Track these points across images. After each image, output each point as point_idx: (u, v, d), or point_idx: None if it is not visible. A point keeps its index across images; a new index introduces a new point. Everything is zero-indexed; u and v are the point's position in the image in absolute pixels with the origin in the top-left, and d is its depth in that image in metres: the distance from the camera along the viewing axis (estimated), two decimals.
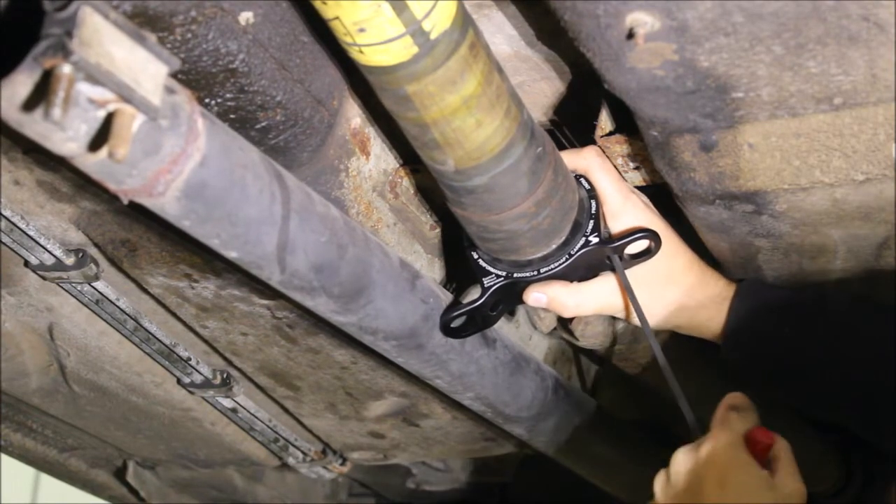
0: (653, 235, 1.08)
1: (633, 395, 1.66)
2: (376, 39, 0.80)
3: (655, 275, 1.14)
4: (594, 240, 1.06)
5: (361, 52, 0.82)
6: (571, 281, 1.11)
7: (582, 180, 1.09)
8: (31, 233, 1.34)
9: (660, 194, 1.13)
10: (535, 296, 1.09)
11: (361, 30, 0.79)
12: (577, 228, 1.06)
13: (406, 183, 1.21)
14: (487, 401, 1.19)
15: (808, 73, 0.85)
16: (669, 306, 1.16)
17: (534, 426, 1.28)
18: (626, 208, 1.10)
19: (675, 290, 1.15)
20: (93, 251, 1.37)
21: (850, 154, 0.93)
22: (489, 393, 1.17)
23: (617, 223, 1.10)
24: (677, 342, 1.36)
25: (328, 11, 0.79)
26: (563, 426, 1.33)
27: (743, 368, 1.20)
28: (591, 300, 1.12)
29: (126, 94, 0.61)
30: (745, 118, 0.92)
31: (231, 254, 0.78)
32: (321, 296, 0.87)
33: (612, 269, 1.11)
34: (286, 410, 1.72)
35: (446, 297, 1.09)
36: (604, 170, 1.09)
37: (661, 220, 1.13)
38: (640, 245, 1.10)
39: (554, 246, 1.05)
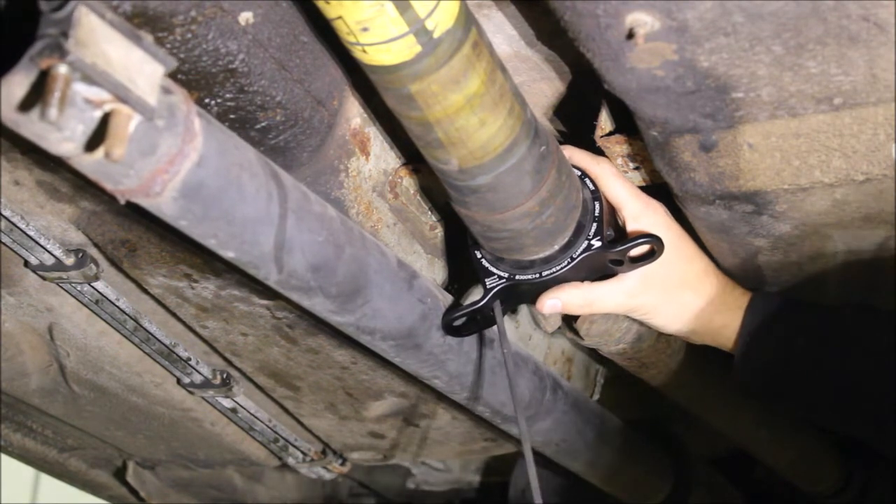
0: (655, 241, 1.08)
1: (634, 395, 1.66)
2: (379, 39, 0.80)
3: (671, 278, 1.15)
4: (596, 243, 1.06)
5: (364, 51, 0.81)
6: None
7: (587, 181, 1.09)
8: (30, 233, 1.34)
9: (660, 194, 1.13)
10: (551, 303, 1.10)
11: (365, 29, 0.79)
12: (580, 230, 1.05)
13: (406, 183, 1.20)
14: (485, 401, 1.19)
15: (807, 74, 0.85)
16: (685, 309, 1.17)
17: (532, 426, 1.28)
18: (647, 212, 1.11)
19: (690, 294, 1.16)
20: (93, 251, 1.37)
21: (850, 154, 0.93)
22: (486, 392, 1.17)
23: (637, 225, 1.11)
24: (691, 351, 1.37)
25: (331, 11, 0.79)
26: (562, 426, 1.33)
27: (755, 379, 1.20)
28: (605, 299, 1.13)
29: (122, 95, 0.60)
30: (745, 118, 0.92)
31: (228, 254, 0.77)
32: (318, 296, 0.87)
33: (615, 273, 1.11)
34: (286, 410, 1.72)
35: (444, 297, 1.09)
36: (619, 176, 1.10)
37: (676, 225, 1.15)
38: (644, 248, 1.10)
39: (557, 247, 1.05)
